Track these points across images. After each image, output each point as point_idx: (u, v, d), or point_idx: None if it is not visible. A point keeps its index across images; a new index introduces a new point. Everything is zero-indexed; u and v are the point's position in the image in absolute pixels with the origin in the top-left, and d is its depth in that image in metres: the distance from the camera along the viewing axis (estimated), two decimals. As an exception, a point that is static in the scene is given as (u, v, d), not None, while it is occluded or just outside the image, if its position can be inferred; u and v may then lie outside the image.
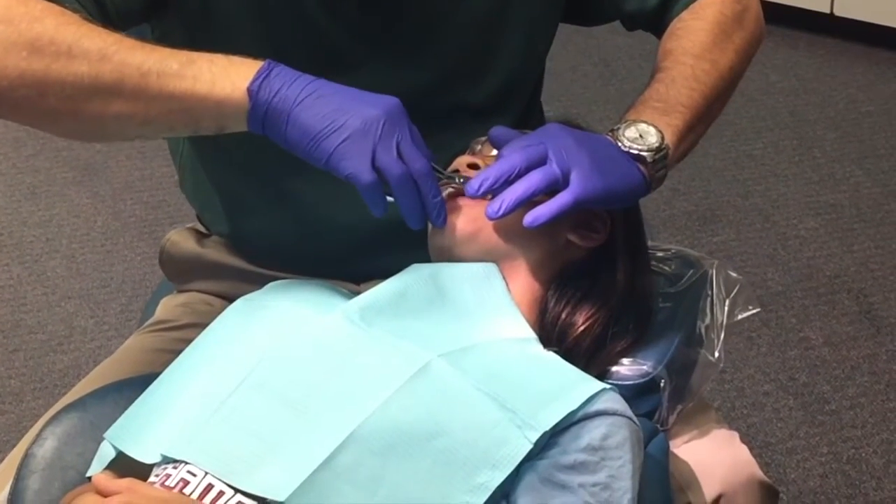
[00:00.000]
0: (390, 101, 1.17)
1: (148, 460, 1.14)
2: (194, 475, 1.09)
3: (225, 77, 1.16)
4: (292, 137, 1.16)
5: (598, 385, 1.13)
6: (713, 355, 1.35)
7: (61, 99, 1.16)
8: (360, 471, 1.06)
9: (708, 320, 1.37)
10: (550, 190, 1.18)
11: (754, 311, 1.39)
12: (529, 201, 1.18)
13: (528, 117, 1.48)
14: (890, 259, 2.58)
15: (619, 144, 1.24)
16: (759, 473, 1.36)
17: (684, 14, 1.39)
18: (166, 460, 1.12)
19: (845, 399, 2.24)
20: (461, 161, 1.29)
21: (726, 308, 1.37)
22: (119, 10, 1.25)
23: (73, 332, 2.50)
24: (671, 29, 1.39)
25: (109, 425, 1.22)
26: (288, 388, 1.12)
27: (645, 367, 1.29)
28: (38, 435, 1.27)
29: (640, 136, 1.24)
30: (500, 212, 1.17)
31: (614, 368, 1.28)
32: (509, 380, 1.12)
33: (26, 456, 1.26)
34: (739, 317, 1.38)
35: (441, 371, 1.11)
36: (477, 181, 1.18)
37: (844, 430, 2.18)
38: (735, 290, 1.38)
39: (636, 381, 1.28)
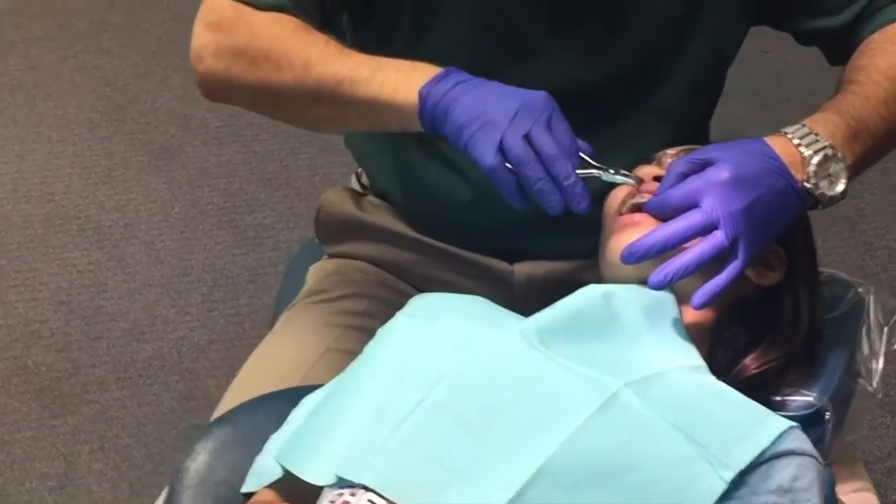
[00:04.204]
0: (533, 94, 1.19)
1: (320, 482, 1.11)
2: None
3: (405, 83, 1.21)
4: (448, 132, 1.20)
5: (785, 422, 1.11)
6: (871, 385, 1.33)
7: (278, 103, 1.30)
8: (551, 506, 1.03)
9: (866, 348, 1.34)
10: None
11: (916, 339, 1.36)
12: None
13: (703, 128, 1.47)
14: None
15: (805, 179, 1.22)
16: None
17: (876, 36, 1.36)
18: (341, 483, 1.09)
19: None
20: (648, 171, 1.28)
21: (885, 336, 1.34)
22: (333, 2, 1.33)
23: (154, 321, 2.48)
24: (863, 47, 1.36)
25: (260, 439, 1.21)
26: (469, 412, 1.09)
27: (810, 399, 1.26)
28: (192, 449, 1.25)
29: (829, 176, 1.22)
30: (664, 284, 1.17)
31: (777, 398, 1.25)
32: (695, 412, 1.10)
33: (179, 470, 1.24)
34: (897, 346, 1.35)
35: (629, 401, 1.08)
36: (638, 249, 1.17)
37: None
38: (894, 318, 1.35)
39: (801, 413, 1.25)
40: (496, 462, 1.05)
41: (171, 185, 2.85)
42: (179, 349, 2.41)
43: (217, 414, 1.39)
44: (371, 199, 1.55)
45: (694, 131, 1.46)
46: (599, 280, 1.41)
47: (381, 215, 1.52)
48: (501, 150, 1.16)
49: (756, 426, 1.09)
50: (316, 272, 1.56)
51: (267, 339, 1.50)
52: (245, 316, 2.48)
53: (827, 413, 1.26)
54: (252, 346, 2.36)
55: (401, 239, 1.51)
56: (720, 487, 1.05)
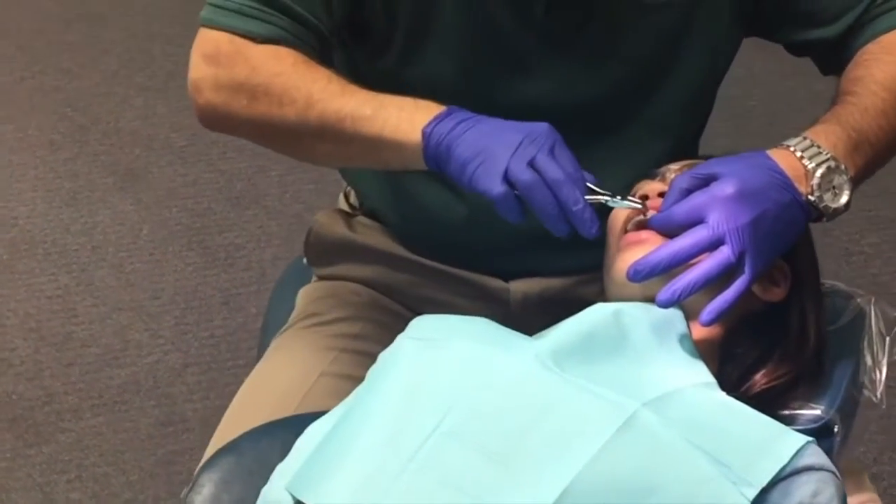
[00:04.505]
0: (535, 125, 1.18)
1: (334, 512, 1.09)
2: None
3: (408, 121, 1.20)
4: (452, 169, 1.18)
5: (802, 437, 1.11)
6: (876, 396, 1.32)
7: (277, 139, 1.30)
8: (577, 530, 1.02)
9: (868, 359, 1.34)
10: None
11: (915, 348, 1.36)
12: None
13: (696, 141, 1.46)
14: (960, 277, 2.56)
15: (808, 192, 1.21)
16: None
17: (871, 46, 1.35)
18: (357, 512, 1.07)
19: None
20: (653, 188, 1.26)
21: (886, 346, 1.34)
22: (329, 29, 1.30)
23: (127, 346, 2.43)
24: (858, 58, 1.35)
25: (265, 469, 1.19)
26: (486, 438, 1.08)
27: (818, 412, 1.25)
28: (195, 481, 1.22)
29: (833, 189, 1.22)
30: (672, 301, 1.15)
31: (786, 412, 1.24)
32: (713, 431, 1.09)
33: (185, 504, 1.21)
34: (900, 356, 1.35)
35: (648, 422, 1.07)
36: (645, 266, 1.16)
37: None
38: (896, 328, 1.35)
39: (809, 426, 1.24)
40: (519, 488, 1.04)
41: (138, 207, 2.80)
42: (154, 374, 2.37)
43: (214, 442, 1.37)
44: (361, 219, 1.53)
45: (689, 144, 1.46)
46: (597, 295, 1.40)
47: (373, 236, 1.50)
48: (507, 179, 1.15)
49: (774, 442, 1.09)
50: (306, 295, 1.54)
51: (260, 366, 1.47)
52: (220, 338, 2.44)
53: (836, 426, 1.26)
54: (229, 369, 2.38)
55: (394, 260, 1.49)
56: None
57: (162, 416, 2.28)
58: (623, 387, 1.11)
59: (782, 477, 1.07)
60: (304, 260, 1.61)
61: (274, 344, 1.50)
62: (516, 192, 1.15)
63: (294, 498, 1.12)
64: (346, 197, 1.59)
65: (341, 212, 1.56)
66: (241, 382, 2.30)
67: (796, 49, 1.43)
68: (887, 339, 1.34)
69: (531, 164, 1.14)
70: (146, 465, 2.19)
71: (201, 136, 3.01)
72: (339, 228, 1.52)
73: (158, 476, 2.16)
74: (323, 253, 1.54)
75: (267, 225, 2.73)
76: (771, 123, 2.84)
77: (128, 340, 2.44)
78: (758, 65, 2.82)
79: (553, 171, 1.14)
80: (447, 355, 1.16)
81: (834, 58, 1.40)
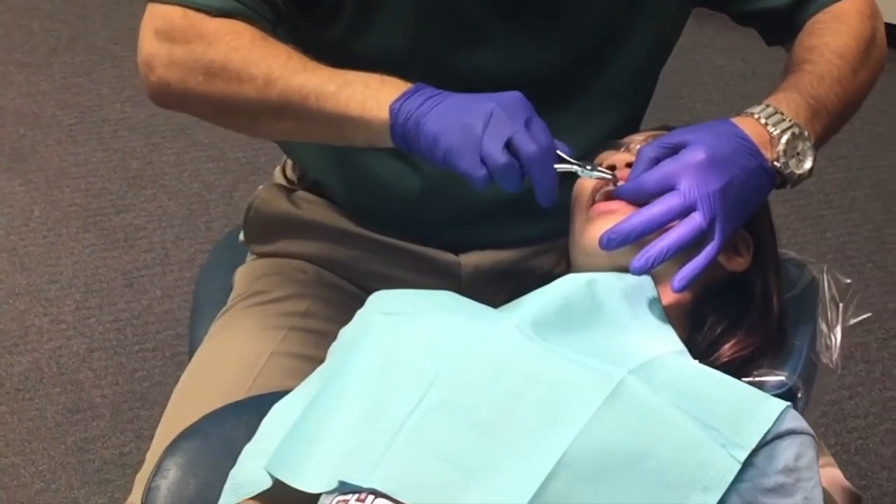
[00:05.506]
0: (504, 95, 1.16)
1: (318, 490, 1.06)
2: None
3: (374, 98, 1.17)
4: (422, 146, 1.16)
5: (781, 402, 1.10)
6: (832, 362, 1.33)
7: (236, 117, 1.25)
8: (573, 499, 1.00)
9: (823, 326, 1.35)
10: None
11: (866, 315, 1.37)
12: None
13: (645, 109, 1.46)
14: (864, 246, 2.61)
15: (774, 158, 1.22)
16: (843, 478, 1.35)
17: (821, 16, 1.36)
18: (343, 489, 1.05)
19: (844, 389, 2.25)
20: (620, 158, 1.25)
21: (840, 313, 1.36)
22: (284, 1, 1.26)
23: (27, 332, 2.34)
24: (810, 27, 1.36)
25: (231, 451, 1.16)
26: (474, 409, 1.05)
27: (782, 378, 1.26)
28: (160, 466, 1.17)
29: (797, 155, 1.23)
30: (646, 269, 1.15)
31: (749, 378, 1.25)
32: (698, 396, 1.08)
33: (150, 489, 1.16)
34: (852, 321, 1.36)
35: (636, 389, 1.06)
36: (618, 235, 1.15)
37: (847, 420, 2.19)
38: (848, 295, 1.36)
39: (773, 392, 1.25)
40: (511, 459, 1.02)
41: (28, 188, 2.70)
42: (58, 360, 2.28)
43: (165, 425, 1.32)
44: (303, 194, 1.48)
45: (639, 114, 1.45)
46: (549, 267, 1.39)
47: (317, 210, 1.46)
48: (481, 156, 1.13)
49: (756, 407, 1.09)
50: (247, 274, 1.49)
51: (205, 347, 1.42)
52: (125, 321, 2.37)
53: (799, 391, 1.27)
54: (136, 353, 2.31)
55: (340, 235, 1.45)
56: (735, 468, 1.04)
57: (69, 403, 2.20)
58: (605, 355, 1.10)
59: (766, 441, 1.07)
60: (241, 237, 1.56)
61: (217, 324, 1.45)
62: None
63: (273, 478, 1.08)
64: (284, 171, 1.54)
65: (281, 186, 1.51)
66: (150, 367, 2.28)
67: (744, 19, 1.44)
68: (840, 305, 1.35)
69: (507, 144, 1.12)
70: (56, 453, 2.11)
71: (90, 114, 2.92)
72: (281, 204, 1.48)
73: (70, 465, 2.09)
74: (265, 229, 1.49)
75: (166, 205, 2.65)
76: (675, 97, 2.86)
77: (27, 326, 2.35)
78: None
79: (528, 146, 1.13)
80: (424, 328, 1.13)
81: (782, 28, 1.40)
